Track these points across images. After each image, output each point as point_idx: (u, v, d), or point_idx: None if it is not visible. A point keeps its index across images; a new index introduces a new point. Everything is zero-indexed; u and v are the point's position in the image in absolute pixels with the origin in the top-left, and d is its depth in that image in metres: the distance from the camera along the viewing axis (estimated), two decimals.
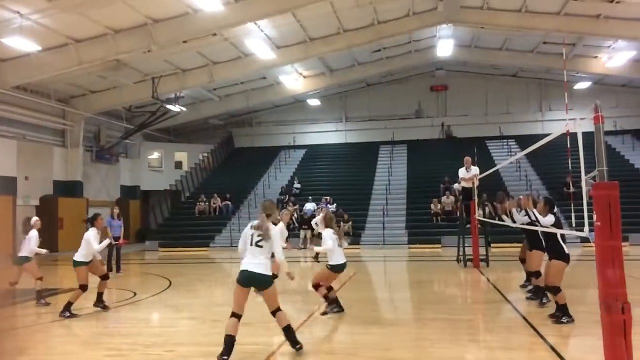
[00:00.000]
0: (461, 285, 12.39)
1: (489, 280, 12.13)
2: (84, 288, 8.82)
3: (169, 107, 25.54)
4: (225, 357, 5.63)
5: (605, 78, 28.17)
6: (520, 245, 10.85)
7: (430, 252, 19.80)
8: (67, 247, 20.55)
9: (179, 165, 32.58)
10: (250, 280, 5.93)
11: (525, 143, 24.06)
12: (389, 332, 7.24)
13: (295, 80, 28.26)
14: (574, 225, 9.74)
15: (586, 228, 5.14)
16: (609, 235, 4.57)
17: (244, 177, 30.15)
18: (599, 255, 4.59)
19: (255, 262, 5.92)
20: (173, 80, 24.15)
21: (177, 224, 26.37)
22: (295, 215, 24.51)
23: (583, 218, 5.19)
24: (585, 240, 7.32)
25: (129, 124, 28.30)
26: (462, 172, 15.03)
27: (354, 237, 22.87)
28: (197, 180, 31.18)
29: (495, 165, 18.49)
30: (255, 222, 6.12)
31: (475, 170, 14.74)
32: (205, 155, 32.66)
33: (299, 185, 28.12)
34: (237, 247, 6.58)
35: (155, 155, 31.92)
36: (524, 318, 7.92)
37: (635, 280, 11.09)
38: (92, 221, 9.17)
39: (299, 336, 6.30)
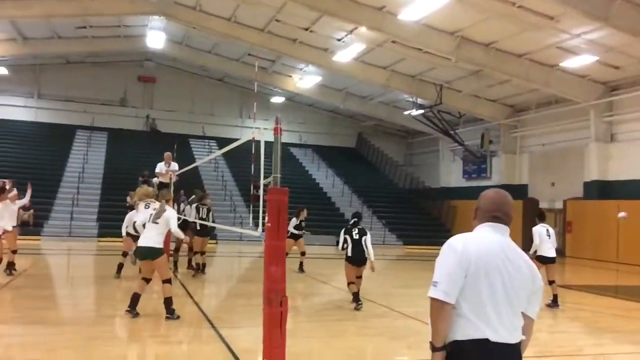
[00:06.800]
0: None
1: (176, 276, 12.34)
2: None
3: None
4: (129, 310, 7.37)
5: (296, 96, 31.71)
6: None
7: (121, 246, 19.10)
8: None
9: None
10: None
11: (226, 145, 25.39)
12: (57, 332, 6.73)
13: None
14: (251, 224, 10.86)
15: (259, 228, 5.71)
16: (276, 236, 5.16)
17: None
18: (266, 253, 5.13)
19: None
20: None
21: None
22: None
23: (259, 218, 5.76)
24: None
25: None
26: (160, 167, 14.97)
27: (35, 227, 20.51)
28: None
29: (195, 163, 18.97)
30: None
31: (174, 165, 14.86)
32: None
33: None
34: None
35: None
36: (203, 312, 8.34)
37: (297, 275, 12.83)
38: None
39: None
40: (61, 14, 21.14)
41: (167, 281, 7.58)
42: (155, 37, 25.12)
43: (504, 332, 2.46)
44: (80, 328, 7.05)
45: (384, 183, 32.19)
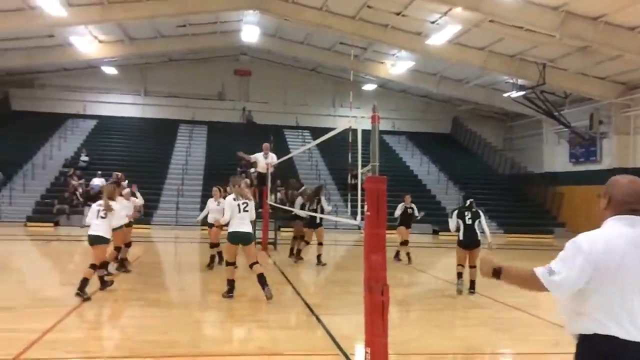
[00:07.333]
0: (248, 267, 12.73)
1: (275, 262, 12.68)
2: None
3: None
4: (231, 294, 8.04)
5: (388, 82, 31.29)
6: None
7: (223, 234, 19.92)
8: None
9: None
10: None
11: (319, 135, 25.57)
12: (169, 315, 7.14)
13: (88, 43, 25.82)
14: (349, 213, 10.86)
15: (358, 216, 5.68)
16: (376, 224, 5.10)
17: (21, 144, 26.65)
18: (366, 242, 5.09)
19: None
20: None
21: None
22: (80, 190, 22.63)
23: (357, 207, 5.73)
24: (358, 227, 8.67)
25: None
26: (258, 157, 15.38)
27: (145, 216, 21.92)
28: None
29: (290, 153, 19.35)
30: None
31: (272, 156, 15.22)
32: None
33: (86, 158, 25.94)
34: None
35: None
36: (302, 299, 8.48)
37: (395, 263, 12.65)
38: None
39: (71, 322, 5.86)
40: (163, 13, 22.26)
41: (255, 263, 8.14)
42: (250, 31, 25.80)
43: (635, 331, 2.32)
44: (188, 312, 7.44)
45: (482, 169, 31.04)
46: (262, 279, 8.02)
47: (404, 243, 13.01)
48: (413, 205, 13.16)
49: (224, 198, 9.85)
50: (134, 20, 22.81)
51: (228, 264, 8.31)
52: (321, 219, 12.22)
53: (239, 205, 8.20)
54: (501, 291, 9.61)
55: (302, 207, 12.73)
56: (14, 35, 23.63)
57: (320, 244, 12.43)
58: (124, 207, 9.93)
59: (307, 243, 12.81)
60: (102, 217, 8.13)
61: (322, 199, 12.55)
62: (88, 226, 8.23)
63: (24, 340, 5.52)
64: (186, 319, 6.96)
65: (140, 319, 6.97)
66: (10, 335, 5.73)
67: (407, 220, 13.05)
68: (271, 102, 33.07)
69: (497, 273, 2.57)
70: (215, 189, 11.49)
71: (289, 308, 7.87)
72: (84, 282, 7.66)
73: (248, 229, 8.29)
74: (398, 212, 13.08)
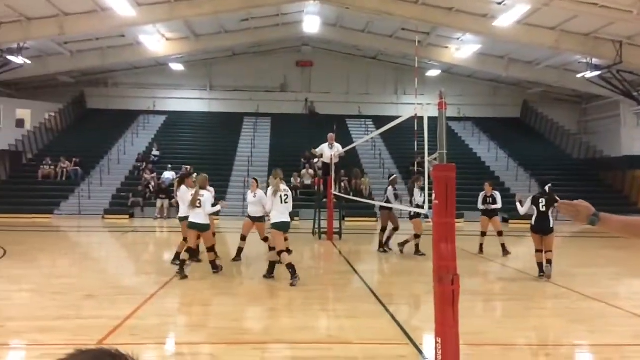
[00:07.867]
0: (314, 256, 12.85)
1: (340, 252, 12.73)
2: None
3: (10, 58, 22.84)
4: (295, 277, 8.35)
5: (453, 67, 30.48)
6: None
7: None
8: None
9: (20, 123, 29.39)
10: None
11: (382, 123, 25.27)
12: (241, 303, 7.32)
13: (157, 41, 26.72)
14: (415, 202, 10.71)
15: (426, 205, 5.57)
16: (444, 213, 4.98)
17: (97, 140, 28.11)
18: (435, 231, 4.98)
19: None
20: (16, 28, 21.56)
21: (16, 187, 23.96)
22: (153, 184, 23.56)
23: (424, 196, 5.62)
24: (426, 216, 8.61)
25: None
26: (324, 148, 15.43)
27: (213, 207, 22.51)
28: (42, 141, 28.45)
29: (353, 143, 19.27)
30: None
31: (338, 147, 15.24)
32: (52, 114, 29.83)
33: (157, 153, 26.96)
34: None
35: None
36: (369, 288, 8.46)
37: (465, 253, 12.35)
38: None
39: (148, 309, 6.11)
40: (226, 9, 22.67)
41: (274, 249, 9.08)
42: (311, 21, 25.83)
43: None
44: (258, 300, 7.60)
45: (555, 154, 29.73)
46: (272, 266, 8.96)
47: (483, 234, 12.54)
48: (494, 194, 12.41)
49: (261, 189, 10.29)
50: (199, 16, 23.35)
51: (281, 252, 8.73)
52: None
53: (280, 196, 8.82)
54: (578, 281, 9.23)
55: (396, 197, 12.56)
56: (88, 37, 24.82)
57: (417, 236, 12.09)
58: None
59: (397, 229, 12.85)
60: (198, 206, 9.03)
61: (415, 190, 12.04)
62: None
63: (106, 326, 5.82)
64: (256, 307, 7.12)
65: (213, 307, 7.18)
66: (93, 322, 6.06)
67: (487, 209, 12.41)
68: (333, 92, 33.06)
69: (597, 216, 2.51)
70: (252, 180, 11.00)
71: (357, 297, 7.87)
72: (213, 263, 9.28)
73: (289, 219, 9.04)
74: (481, 205, 12.46)
